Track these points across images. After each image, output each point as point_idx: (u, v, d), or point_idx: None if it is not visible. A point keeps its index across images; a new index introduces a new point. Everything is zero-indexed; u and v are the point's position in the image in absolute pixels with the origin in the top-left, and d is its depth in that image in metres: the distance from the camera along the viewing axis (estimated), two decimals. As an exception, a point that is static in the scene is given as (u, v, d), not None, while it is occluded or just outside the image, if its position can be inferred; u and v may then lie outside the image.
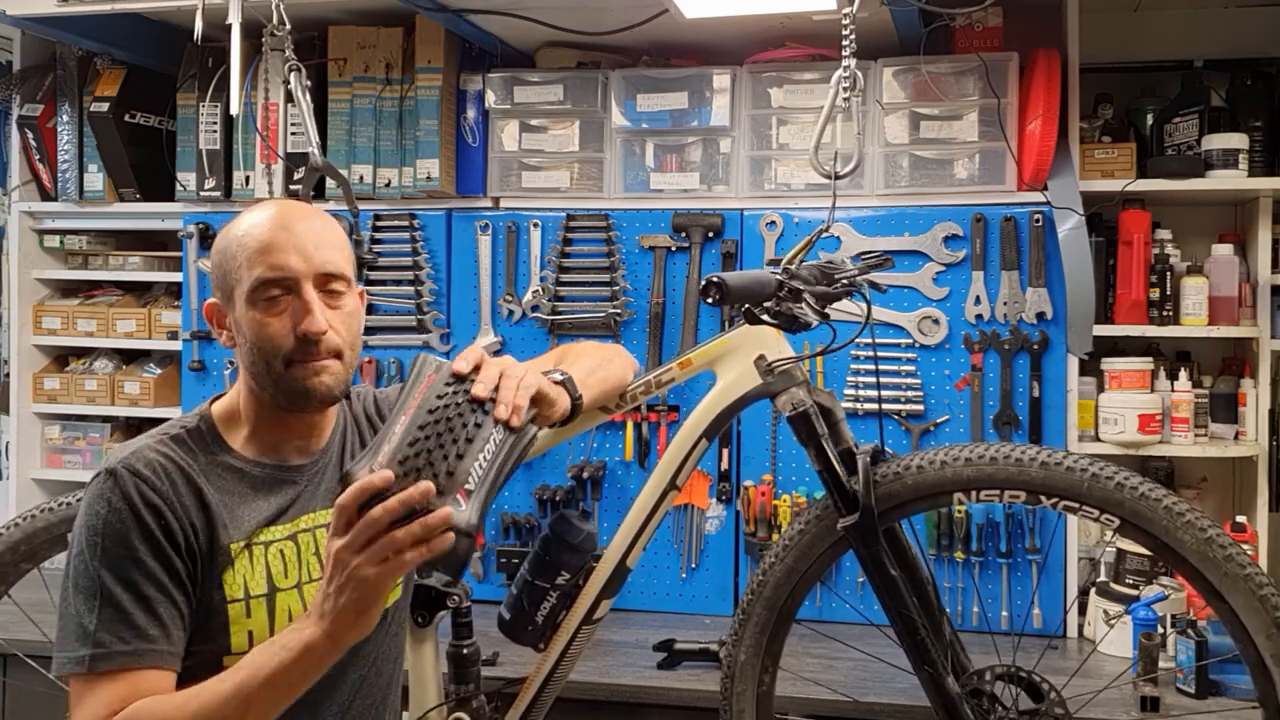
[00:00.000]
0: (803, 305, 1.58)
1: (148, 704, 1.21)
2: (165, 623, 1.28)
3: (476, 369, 1.29)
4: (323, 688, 1.41)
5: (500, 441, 1.22)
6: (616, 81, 2.76)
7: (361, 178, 2.84)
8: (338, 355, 1.37)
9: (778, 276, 1.58)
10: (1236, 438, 2.65)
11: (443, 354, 2.80)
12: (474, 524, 1.15)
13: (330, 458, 1.48)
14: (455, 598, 1.66)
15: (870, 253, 2.34)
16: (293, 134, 2.91)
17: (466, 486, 1.16)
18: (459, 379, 1.25)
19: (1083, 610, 2.57)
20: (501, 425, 1.23)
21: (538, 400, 1.35)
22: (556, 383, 1.45)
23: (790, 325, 1.61)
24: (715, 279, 1.51)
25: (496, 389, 1.28)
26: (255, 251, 1.34)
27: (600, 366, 1.62)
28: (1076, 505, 1.54)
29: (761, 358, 1.63)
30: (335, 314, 1.37)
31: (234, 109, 2.40)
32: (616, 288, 2.74)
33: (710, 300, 1.51)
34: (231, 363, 2.92)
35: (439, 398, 1.21)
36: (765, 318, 1.59)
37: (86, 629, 1.25)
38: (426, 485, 1.12)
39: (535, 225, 2.79)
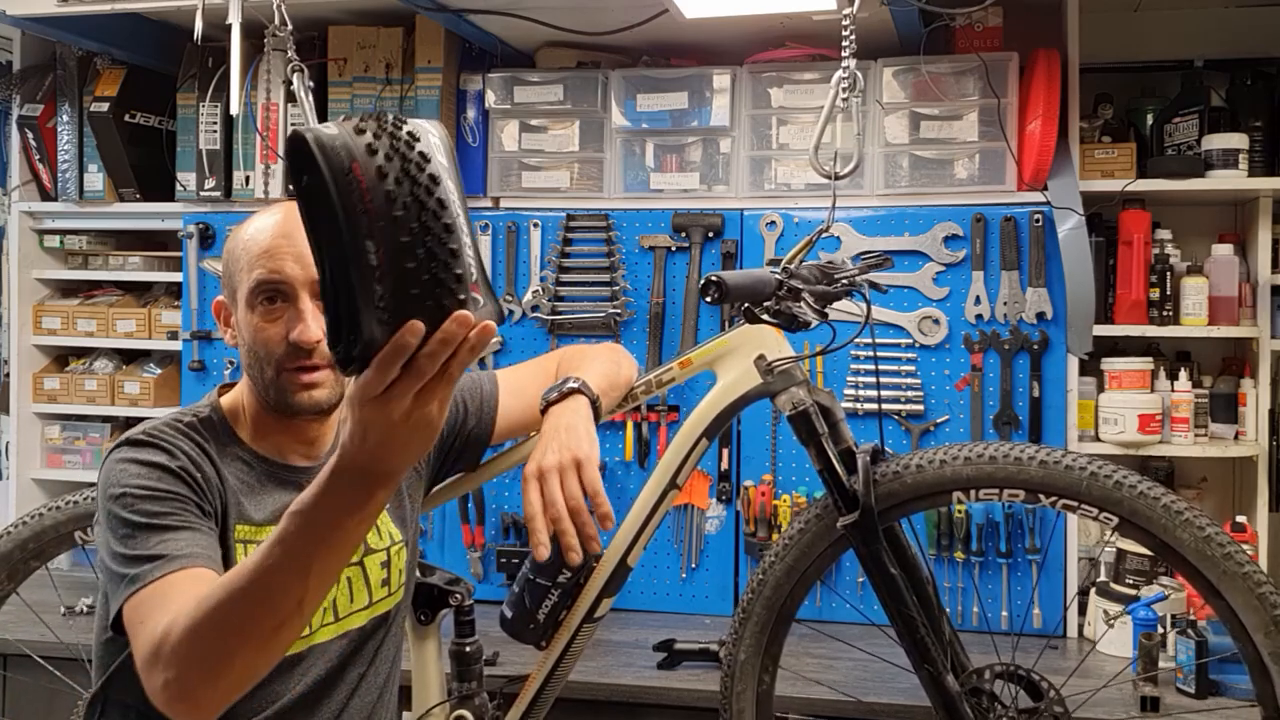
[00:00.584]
0: (802, 304, 1.58)
1: (192, 600, 1.07)
2: (206, 537, 1.26)
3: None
4: (319, 686, 1.42)
5: (462, 205, 0.98)
6: (616, 81, 2.76)
7: (362, 178, 2.84)
8: (333, 365, 1.38)
9: (777, 276, 1.59)
10: (1236, 438, 2.65)
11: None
12: (501, 311, 1.01)
13: None
14: (457, 596, 1.67)
15: (870, 253, 2.34)
16: (293, 134, 2.91)
17: (474, 279, 0.97)
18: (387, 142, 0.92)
19: (1083, 610, 2.57)
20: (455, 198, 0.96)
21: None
22: (572, 390, 1.54)
23: (790, 324, 1.61)
24: (714, 278, 1.51)
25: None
26: (256, 255, 1.35)
27: (611, 370, 1.64)
28: (1075, 504, 1.55)
29: (761, 357, 1.63)
30: None
31: (234, 109, 2.40)
32: (616, 288, 2.74)
33: (709, 298, 1.51)
34: (232, 362, 2.92)
35: (390, 199, 0.91)
36: (765, 317, 1.60)
37: (132, 556, 1.19)
38: (463, 315, 0.93)
39: (535, 225, 2.79)
